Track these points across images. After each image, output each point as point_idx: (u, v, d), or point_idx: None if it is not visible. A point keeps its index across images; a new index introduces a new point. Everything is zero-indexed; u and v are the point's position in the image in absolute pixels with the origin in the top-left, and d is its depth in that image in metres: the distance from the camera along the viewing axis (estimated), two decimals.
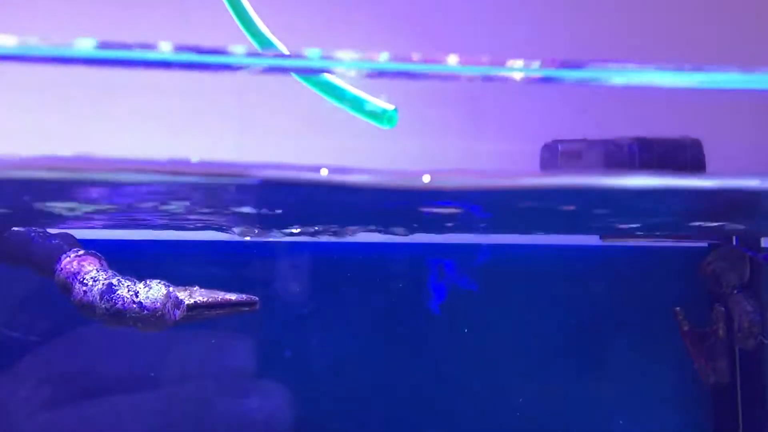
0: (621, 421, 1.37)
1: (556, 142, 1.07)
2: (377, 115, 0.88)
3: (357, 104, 0.87)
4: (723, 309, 1.27)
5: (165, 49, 0.59)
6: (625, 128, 1.05)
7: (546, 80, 0.63)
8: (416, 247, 1.30)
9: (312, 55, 0.59)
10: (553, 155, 1.07)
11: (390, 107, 0.90)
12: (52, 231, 1.03)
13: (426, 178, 0.68)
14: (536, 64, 0.63)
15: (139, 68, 0.59)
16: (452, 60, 0.59)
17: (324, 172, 0.69)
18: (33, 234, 1.02)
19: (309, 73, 0.59)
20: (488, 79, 0.60)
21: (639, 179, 0.78)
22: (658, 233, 1.26)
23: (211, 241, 1.22)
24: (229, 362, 1.26)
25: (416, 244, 1.30)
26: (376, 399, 1.31)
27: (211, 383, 1.26)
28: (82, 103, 1.06)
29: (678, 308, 1.29)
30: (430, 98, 1.11)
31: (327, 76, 0.86)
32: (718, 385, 1.29)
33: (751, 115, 1.17)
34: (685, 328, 1.28)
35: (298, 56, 0.59)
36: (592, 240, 1.28)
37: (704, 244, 1.34)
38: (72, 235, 1.03)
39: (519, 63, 0.60)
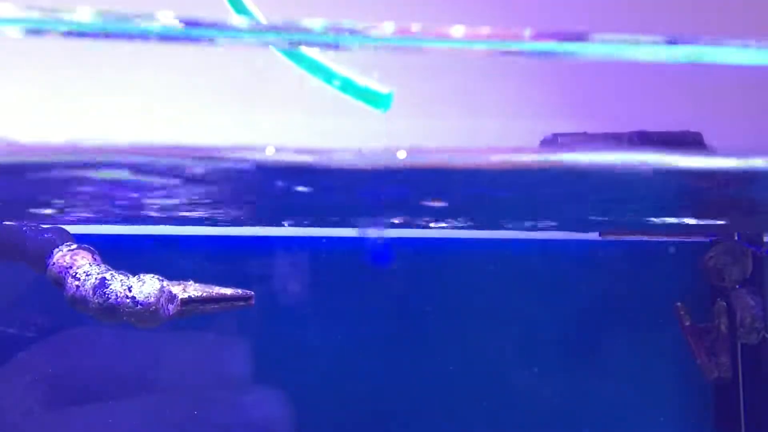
0: (622, 417, 1.36)
1: (555, 135, 1.07)
2: (372, 98, 0.87)
3: (351, 87, 0.86)
4: (725, 304, 1.27)
5: (164, 20, 0.57)
6: (625, 121, 1.05)
7: (552, 55, 0.62)
8: (415, 242, 1.30)
9: (315, 27, 0.57)
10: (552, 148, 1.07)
11: (385, 90, 0.89)
12: (45, 225, 1.02)
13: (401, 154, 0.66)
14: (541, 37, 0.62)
15: (135, 40, 0.58)
16: (457, 32, 0.58)
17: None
18: (25, 228, 1.01)
19: (313, 45, 0.58)
20: (493, 53, 0.59)
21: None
22: (658, 230, 1.26)
23: (206, 236, 1.22)
24: (224, 359, 1.26)
25: (415, 239, 1.29)
26: (375, 397, 1.31)
27: (207, 381, 1.25)
28: (75, 82, 1.05)
29: (680, 303, 1.28)
30: (429, 85, 1.10)
31: (321, 59, 0.85)
32: (720, 381, 1.29)
33: (753, 106, 1.17)
34: (687, 323, 1.28)
35: (300, 28, 0.57)
36: (591, 235, 1.28)
37: (706, 239, 1.33)
38: (65, 230, 1.03)
39: (526, 33, 0.59)
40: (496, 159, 0.66)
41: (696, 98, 1.06)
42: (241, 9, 0.85)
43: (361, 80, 0.88)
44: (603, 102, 1.18)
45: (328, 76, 0.85)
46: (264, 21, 0.57)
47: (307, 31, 0.58)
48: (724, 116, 1.16)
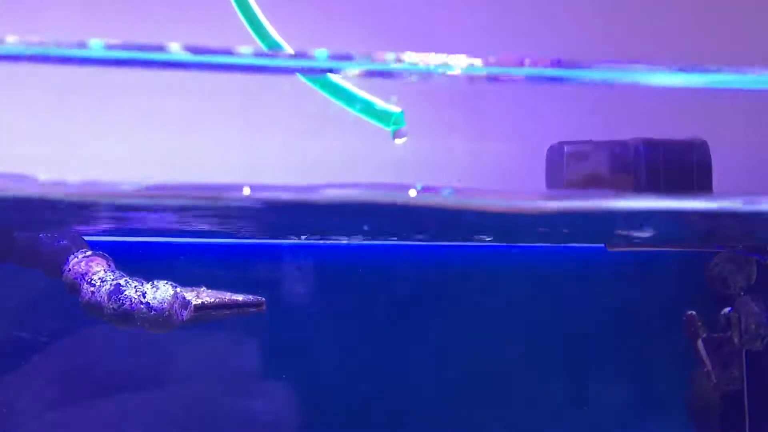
0: (627, 425, 1.36)
1: (561, 143, 1.07)
2: (384, 118, 0.88)
3: (364, 106, 0.88)
4: (737, 315, 1.26)
5: (173, 49, 0.59)
6: (632, 130, 1.05)
7: (551, 80, 0.63)
8: (423, 250, 1.30)
9: (319, 55, 0.59)
10: (559, 157, 1.07)
11: (397, 110, 0.90)
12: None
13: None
14: (539, 64, 0.63)
15: (145, 68, 0.59)
16: (458, 61, 0.59)
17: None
18: (41, 235, 1.03)
19: (315, 73, 0.60)
20: (494, 79, 0.60)
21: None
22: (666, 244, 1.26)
23: (218, 243, 1.23)
24: (234, 363, 1.26)
25: (423, 246, 1.30)
26: (382, 402, 1.31)
27: (216, 384, 1.25)
28: (84, 105, 1.07)
29: (693, 313, 1.27)
30: (435, 99, 1.11)
31: (333, 77, 0.86)
32: (730, 392, 1.28)
33: (758, 117, 1.17)
34: (703, 335, 1.27)
35: (305, 56, 0.59)
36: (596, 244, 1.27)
37: (713, 250, 1.33)
38: (80, 236, 1.04)
39: (526, 62, 0.60)
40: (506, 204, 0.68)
41: (702, 105, 1.06)
42: (266, 38, 0.86)
43: (379, 102, 0.89)
44: (609, 108, 1.19)
45: (349, 99, 0.86)
46: (290, 50, 0.59)
47: (311, 58, 0.59)
48: (730, 123, 1.17)
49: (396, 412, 1.31)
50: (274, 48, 0.82)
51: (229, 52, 0.59)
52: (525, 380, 1.34)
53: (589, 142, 1.05)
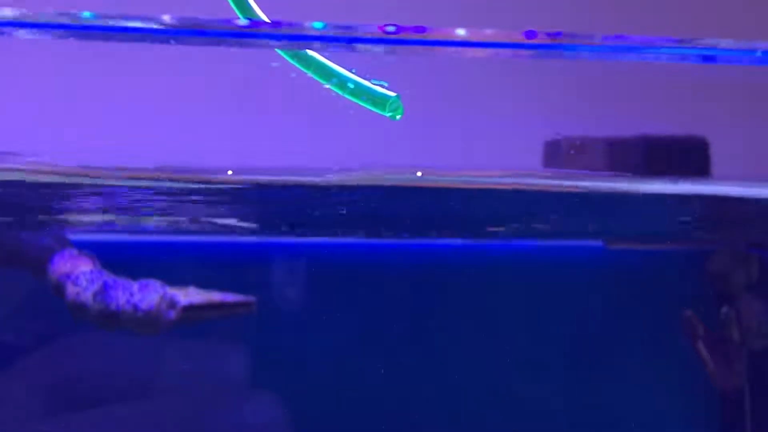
0: (628, 426, 1.36)
1: (559, 138, 1.07)
2: (380, 103, 0.87)
3: (356, 90, 0.86)
4: (735, 311, 1.26)
5: (163, 21, 0.57)
6: (632, 126, 1.04)
7: (551, 55, 0.62)
8: (417, 249, 1.30)
9: (312, 27, 0.57)
10: (556, 151, 1.07)
11: (393, 94, 0.89)
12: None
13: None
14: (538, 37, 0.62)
15: (134, 41, 0.57)
16: (460, 34, 0.58)
17: None
18: (24, 235, 1.02)
19: (305, 46, 0.59)
20: (496, 54, 0.59)
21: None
22: (666, 240, 1.26)
23: (206, 243, 1.22)
24: (224, 366, 1.25)
25: (417, 245, 1.29)
26: (377, 404, 1.30)
27: (206, 387, 1.24)
28: (69, 88, 1.05)
29: (690, 311, 1.27)
30: (428, 89, 1.10)
31: (327, 61, 0.85)
32: (732, 390, 1.28)
33: (758, 112, 1.16)
34: (701, 333, 1.26)
35: (296, 28, 0.57)
36: (594, 241, 1.27)
37: (713, 247, 1.33)
38: (64, 236, 1.03)
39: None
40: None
41: (701, 101, 1.06)
42: (246, 11, 0.85)
43: (372, 86, 0.88)
44: (607, 105, 1.18)
45: (340, 81, 0.85)
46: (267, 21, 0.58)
47: (304, 31, 0.58)
48: (729, 119, 1.16)
49: (394, 416, 1.30)
50: (253, 20, 0.81)
51: (201, 24, 0.57)
52: (524, 380, 1.33)
53: (587, 137, 1.05)
